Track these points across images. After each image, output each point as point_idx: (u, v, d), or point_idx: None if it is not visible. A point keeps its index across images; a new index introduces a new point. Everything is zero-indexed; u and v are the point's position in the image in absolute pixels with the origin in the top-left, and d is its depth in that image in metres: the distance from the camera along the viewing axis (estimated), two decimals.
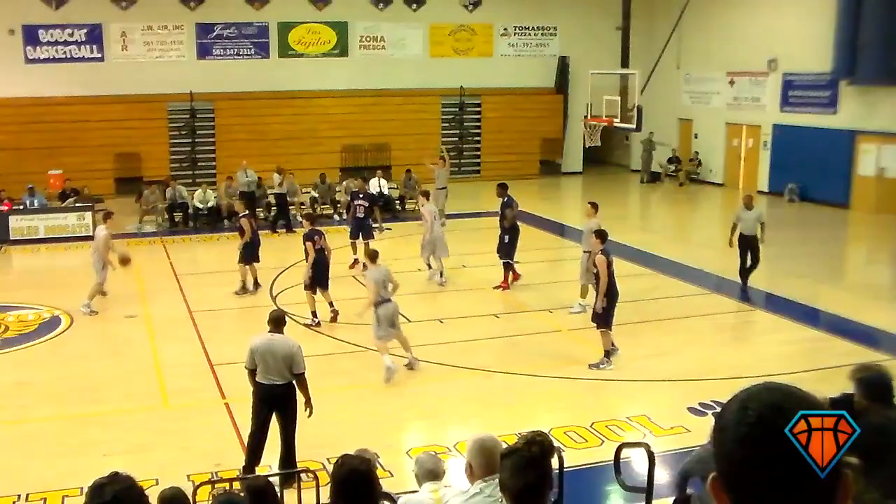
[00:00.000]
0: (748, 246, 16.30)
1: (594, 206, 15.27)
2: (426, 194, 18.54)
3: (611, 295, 12.37)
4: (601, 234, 12.75)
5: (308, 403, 9.19)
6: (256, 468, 8.98)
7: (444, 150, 26.00)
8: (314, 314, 14.73)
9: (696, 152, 31.66)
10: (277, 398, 9.03)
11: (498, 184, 17.73)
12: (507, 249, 16.77)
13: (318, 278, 14.77)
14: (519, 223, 16.95)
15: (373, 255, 12.84)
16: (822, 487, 1.62)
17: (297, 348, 9.11)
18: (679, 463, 7.46)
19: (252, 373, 9.08)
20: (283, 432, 9.10)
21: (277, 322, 9.27)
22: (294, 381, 9.09)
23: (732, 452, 1.65)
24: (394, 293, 12.39)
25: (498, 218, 17.09)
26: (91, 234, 21.68)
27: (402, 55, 31.49)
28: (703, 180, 31.20)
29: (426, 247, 17.44)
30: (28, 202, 23.21)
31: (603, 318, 12.42)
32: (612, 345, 12.60)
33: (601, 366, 12.43)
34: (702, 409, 10.73)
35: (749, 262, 16.39)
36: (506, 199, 16.92)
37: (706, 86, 31.12)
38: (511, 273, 16.95)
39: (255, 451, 9.09)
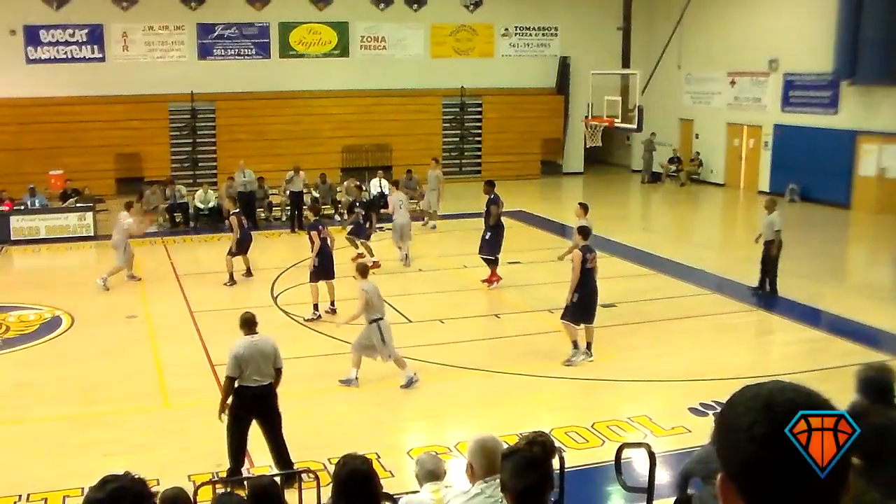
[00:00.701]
0: (765, 252, 16.12)
1: (584, 207, 15.35)
2: (396, 184, 20.21)
3: (584, 292, 12.46)
4: (583, 231, 12.90)
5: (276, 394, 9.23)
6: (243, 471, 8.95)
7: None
8: (316, 307, 14.83)
9: (697, 152, 31.67)
10: (265, 398, 8.96)
11: (485, 181, 18.27)
12: (489, 246, 16.99)
13: (324, 269, 14.85)
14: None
15: (363, 270, 12.13)
16: (835, 488, 1.62)
17: (276, 343, 9.22)
18: (680, 463, 7.46)
19: (233, 381, 8.85)
20: (273, 433, 9.01)
21: (252, 323, 9.18)
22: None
23: (754, 453, 1.61)
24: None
25: (483, 215, 17.33)
26: (92, 233, 21.82)
27: (403, 55, 31.52)
28: (704, 180, 31.22)
29: (395, 232, 18.95)
30: (29, 202, 23.22)
31: (570, 312, 12.53)
32: (576, 344, 12.66)
33: (573, 359, 12.52)
34: (703, 409, 10.73)
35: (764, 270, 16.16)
36: (492, 196, 17.19)
37: (707, 86, 31.13)
38: (493, 271, 17.10)
39: (240, 456, 8.99)
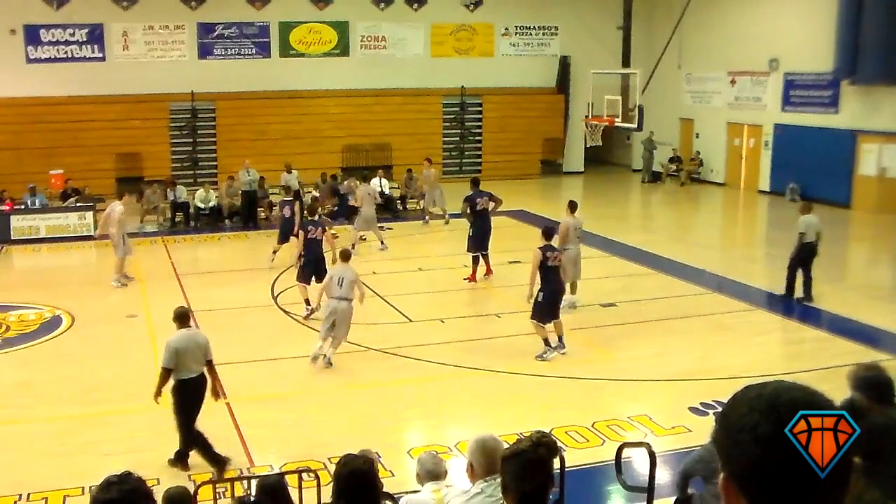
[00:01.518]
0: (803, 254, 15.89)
1: (571, 205, 15.63)
2: (366, 179, 21.92)
3: (550, 290, 12.64)
4: (545, 232, 13.10)
5: (218, 388, 9.66)
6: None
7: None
8: (307, 301, 14.86)
9: (698, 152, 31.67)
10: (203, 388, 9.44)
11: (471, 179, 18.99)
12: (470, 243, 17.33)
13: (311, 271, 14.95)
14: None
15: (345, 255, 13.08)
16: (838, 487, 1.62)
17: (206, 337, 9.75)
18: (680, 463, 7.46)
19: (169, 372, 9.25)
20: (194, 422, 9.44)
21: (186, 317, 9.68)
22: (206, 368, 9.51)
23: (758, 453, 1.61)
24: (361, 301, 12.60)
25: None
26: (92, 233, 21.76)
27: (403, 55, 31.52)
28: (704, 180, 31.22)
29: (360, 221, 20.03)
30: (29, 202, 23.21)
31: (537, 312, 12.69)
32: (547, 342, 12.73)
33: (545, 356, 12.60)
34: (703, 408, 10.73)
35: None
36: (469, 193, 17.58)
37: (707, 85, 31.12)
38: (483, 266, 17.36)
39: (202, 439, 9.29)
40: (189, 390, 9.31)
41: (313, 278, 15.04)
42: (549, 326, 12.84)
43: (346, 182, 25.08)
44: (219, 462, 9.15)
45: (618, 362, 12.66)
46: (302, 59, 30.31)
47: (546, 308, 12.71)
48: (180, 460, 9.25)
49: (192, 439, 9.23)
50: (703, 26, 30.13)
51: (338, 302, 12.30)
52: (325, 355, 12.36)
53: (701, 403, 10.89)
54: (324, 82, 30.11)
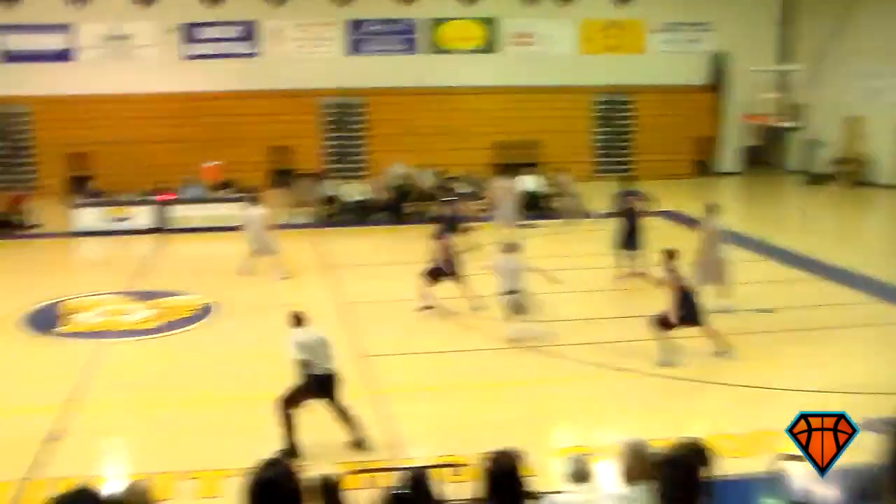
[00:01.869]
0: None
1: (711, 207, 15.26)
2: (511, 176, 22.56)
3: (686, 307, 12.17)
4: (669, 253, 12.48)
5: None
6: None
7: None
8: (426, 297, 15.05)
9: (866, 152, 29.85)
10: (331, 386, 9.46)
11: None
12: (618, 241, 17.15)
13: (437, 271, 15.24)
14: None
15: (511, 246, 13.61)
16: None
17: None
18: (846, 480, 6.97)
19: (304, 364, 9.30)
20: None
21: (302, 319, 9.68)
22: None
23: None
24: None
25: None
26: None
27: (552, 52, 31.29)
28: (873, 182, 29.39)
29: (498, 219, 20.51)
30: (186, 193, 24.14)
31: (657, 320, 12.26)
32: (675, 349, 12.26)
33: (667, 361, 12.12)
34: None
35: None
36: (619, 191, 17.86)
37: (878, 81, 29.15)
38: (633, 265, 17.02)
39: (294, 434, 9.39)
40: (316, 384, 9.32)
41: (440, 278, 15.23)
42: (670, 333, 12.32)
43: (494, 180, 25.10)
44: (291, 451, 9.11)
45: (775, 370, 12.05)
46: (450, 55, 30.54)
47: (667, 321, 12.21)
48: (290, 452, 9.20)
49: (284, 413, 9.26)
50: (873, 16, 28.36)
51: (510, 293, 13.05)
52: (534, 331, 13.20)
53: (863, 419, 10.17)
54: (472, 79, 30.26)
